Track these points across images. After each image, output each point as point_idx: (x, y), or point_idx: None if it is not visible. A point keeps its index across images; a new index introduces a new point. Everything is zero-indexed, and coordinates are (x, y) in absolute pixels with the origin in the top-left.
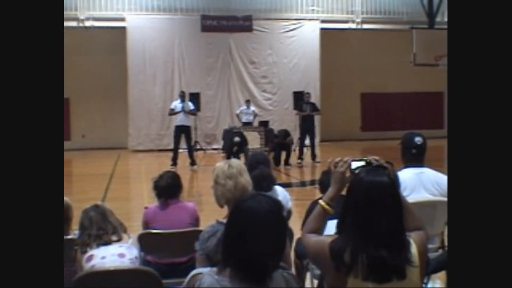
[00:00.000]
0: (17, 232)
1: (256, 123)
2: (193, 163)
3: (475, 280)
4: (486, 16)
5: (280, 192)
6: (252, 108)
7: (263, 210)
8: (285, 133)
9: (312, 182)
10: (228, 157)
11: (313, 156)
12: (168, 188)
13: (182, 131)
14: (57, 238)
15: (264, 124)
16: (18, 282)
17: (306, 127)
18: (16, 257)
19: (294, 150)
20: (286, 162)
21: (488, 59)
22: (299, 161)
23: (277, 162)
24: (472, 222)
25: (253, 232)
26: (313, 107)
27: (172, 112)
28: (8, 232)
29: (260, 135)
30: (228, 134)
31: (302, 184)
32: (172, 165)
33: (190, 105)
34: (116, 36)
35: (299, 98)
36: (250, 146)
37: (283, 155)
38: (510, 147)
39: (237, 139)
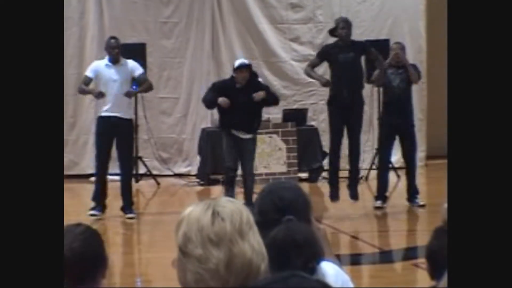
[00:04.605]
0: (16, 233)
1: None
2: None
3: (475, 280)
4: (487, 15)
5: (333, 274)
6: None
7: None
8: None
9: None
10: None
11: None
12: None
13: None
14: (57, 239)
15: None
16: (18, 282)
17: None
18: (16, 257)
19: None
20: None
21: (488, 59)
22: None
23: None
24: (472, 222)
25: None
26: None
27: None
28: (7, 232)
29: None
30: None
31: None
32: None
33: None
34: None
35: None
36: (268, 170)
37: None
38: (511, 148)
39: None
